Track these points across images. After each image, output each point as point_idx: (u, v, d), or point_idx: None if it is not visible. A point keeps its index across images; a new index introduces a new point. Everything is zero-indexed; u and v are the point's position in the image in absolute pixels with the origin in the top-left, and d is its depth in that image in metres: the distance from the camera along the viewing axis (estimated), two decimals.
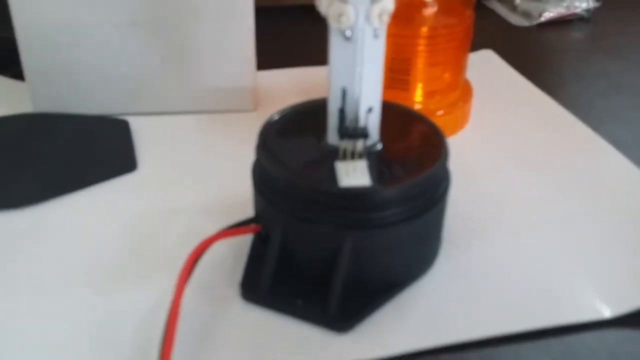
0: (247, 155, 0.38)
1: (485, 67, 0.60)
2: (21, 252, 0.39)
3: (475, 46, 0.55)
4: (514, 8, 0.72)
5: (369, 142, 0.35)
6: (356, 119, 0.34)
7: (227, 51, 0.49)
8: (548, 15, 0.70)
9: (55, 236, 0.40)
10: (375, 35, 0.32)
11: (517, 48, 0.66)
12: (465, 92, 0.51)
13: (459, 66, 0.49)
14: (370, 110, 0.35)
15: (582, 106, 0.55)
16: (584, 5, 0.71)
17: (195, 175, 0.45)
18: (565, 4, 0.70)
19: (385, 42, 0.33)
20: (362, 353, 0.33)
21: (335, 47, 0.33)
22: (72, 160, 0.46)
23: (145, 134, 0.49)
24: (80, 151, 0.47)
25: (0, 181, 0.44)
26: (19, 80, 0.54)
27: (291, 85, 0.57)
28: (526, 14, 0.71)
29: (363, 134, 0.34)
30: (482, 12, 0.74)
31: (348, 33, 0.32)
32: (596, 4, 0.72)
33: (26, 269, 0.38)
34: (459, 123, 0.50)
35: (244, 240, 0.38)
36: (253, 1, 0.48)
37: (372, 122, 0.35)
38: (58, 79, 0.49)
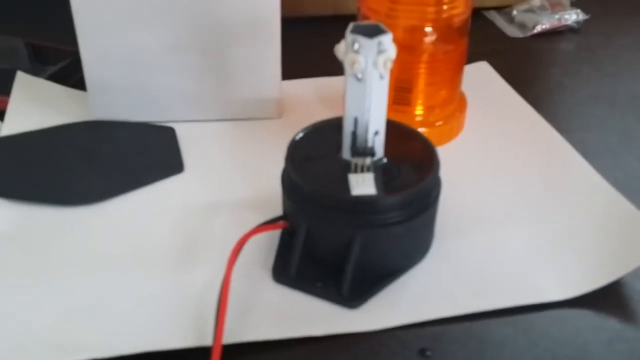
0: (274, 157, 0.45)
1: (480, 79, 0.65)
2: (90, 241, 0.45)
3: (473, 56, 0.59)
4: (511, 19, 0.77)
5: (375, 158, 0.43)
6: (365, 140, 0.42)
7: (257, 67, 0.56)
8: (541, 27, 0.74)
9: (118, 228, 0.46)
10: (381, 77, 0.40)
11: (511, 58, 0.71)
12: (460, 103, 0.57)
13: (455, 83, 0.56)
14: (376, 133, 0.42)
15: (562, 115, 0.61)
16: (574, 17, 0.75)
17: (234, 175, 0.52)
18: (557, 17, 0.75)
19: (388, 82, 0.41)
20: (369, 325, 0.39)
21: (349, 86, 0.40)
22: (128, 163, 0.52)
23: (189, 139, 0.55)
24: (135, 155, 0.53)
25: (69, 180, 0.50)
26: (78, 90, 0.60)
27: (313, 94, 0.62)
28: (522, 26, 0.75)
29: (370, 153, 0.42)
30: (481, 22, 0.78)
31: (359, 76, 0.39)
32: (585, 16, 0.76)
33: (95, 254, 0.44)
34: (455, 131, 0.56)
35: (274, 234, 0.45)
36: (280, 25, 0.54)
37: (378, 142, 0.43)
38: (115, 92, 0.55)
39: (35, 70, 0.62)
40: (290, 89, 0.62)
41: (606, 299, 0.42)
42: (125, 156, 0.53)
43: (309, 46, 0.69)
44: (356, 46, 0.39)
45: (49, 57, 0.64)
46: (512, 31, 0.76)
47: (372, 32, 0.39)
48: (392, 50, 0.40)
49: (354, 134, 0.42)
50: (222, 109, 0.58)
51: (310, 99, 0.62)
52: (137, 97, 0.56)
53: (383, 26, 0.40)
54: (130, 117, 0.57)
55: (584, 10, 0.78)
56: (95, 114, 0.57)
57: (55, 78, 0.62)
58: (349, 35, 0.39)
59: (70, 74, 0.62)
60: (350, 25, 0.40)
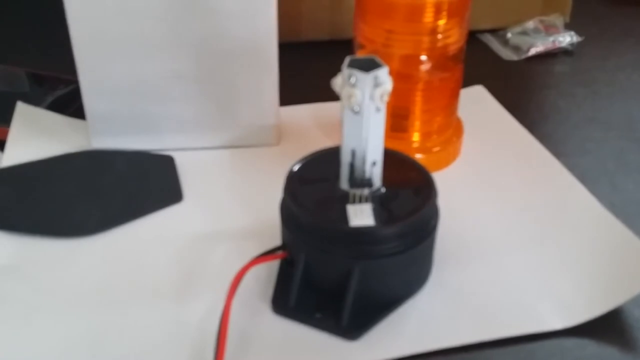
0: (273, 184, 0.45)
1: (476, 103, 0.65)
2: (88, 273, 0.45)
3: (468, 79, 0.59)
4: (505, 42, 0.77)
5: (373, 188, 0.43)
6: (363, 172, 0.42)
7: (255, 96, 0.56)
8: (535, 49, 0.75)
9: (117, 259, 0.46)
10: (378, 110, 0.40)
11: (506, 81, 0.71)
12: (457, 129, 0.57)
13: (451, 109, 0.56)
14: (374, 163, 0.42)
15: (558, 138, 0.61)
16: (568, 40, 0.76)
17: (233, 204, 0.52)
18: (551, 39, 0.76)
19: (385, 113, 0.41)
20: (369, 356, 0.39)
21: (346, 119, 0.41)
22: (127, 193, 0.52)
23: (188, 167, 0.55)
24: (134, 184, 0.53)
25: (68, 211, 0.50)
26: (78, 119, 0.60)
27: (311, 120, 0.62)
28: (516, 48, 0.76)
29: (368, 184, 0.42)
30: (476, 45, 0.78)
31: (356, 109, 0.40)
32: (579, 39, 0.77)
33: (93, 288, 0.44)
34: (452, 156, 0.57)
35: (274, 263, 0.45)
36: (277, 53, 0.54)
37: (376, 173, 0.43)
38: (114, 120, 0.56)
39: (35, 98, 0.63)
40: (288, 115, 0.62)
41: (606, 327, 0.42)
42: (124, 186, 0.53)
43: (306, 71, 0.69)
44: (353, 80, 0.39)
45: (49, 85, 0.64)
46: (506, 54, 0.76)
47: (369, 66, 0.39)
48: (388, 83, 0.40)
49: (352, 166, 0.42)
50: (221, 136, 0.58)
51: (309, 125, 0.62)
52: (137, 125, 0.56)
53: (379, 60, 0.40)
54: (130, 146, 0.57)
55: (578, 32, 0.78)
56: (95, 143, 0.57)
57: (55, 106, 0.62)
58: (345, 70, 0.39)
59: (70, 101, 0.62)
60: (347, 60, 0.40)
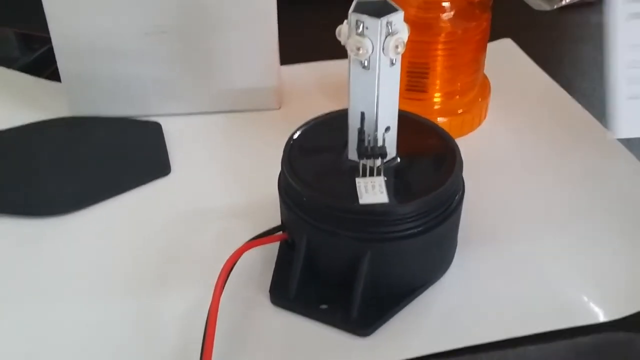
0: (273, 153, 0.41)
1: (504, 59, 0.60)
2: (59, 258, 0.42)
3: (495, 32, 0.56)
4: None
5: (387, 158, 0.38)
6: (374, 139, 0.37)
7: (252, 53, 0.51)
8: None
9: (93, 242, 0.43)
10: (392, 64, 0.34)
11: (537, 34, 0.67)
12: (483, 88, 0.52)
13: (477, 65, 0.50)
14: (387, 129, 0.37)
15: (598, 97, 0.55)
16: None
17: (226, 177, 0.48)
18: None
19: (400, 67, 0.35)
20: (382, 356, 0.36)
21: (354, 75, 0.35)
22: (107, 165, 0.48)
23: (177, 135, 0.52)
24: (115, 156, 0.49)
25: (40, 187, 0.46)
26: (54, 81, 0.56)
27: (315, 81, 0.58)
28: None
29: (381, 153, 0.37)
30: None
31: (366, 63, 0.34)
32: None
33: (64, 275, 0.41)
34: (477, 119, 0.52)
35: (272, 246, 0.41)
36: (276, 4, 0.49)
37: (390, 140, 0.37)
38: (93, 83, 0.51)
39: (6, 59, 0.59)
40: (290, 76, 0.57)
41: None
42: (104, 157, 0.49)
43: (309, 25, 0.64)
44: (361, 28, 0.33)
45: (22, 43, 0.60)
46: (537, 3, 0.70)
47: (380, 10, 0.34)
48: (403, 31, 0.34)
49: (361, 132, 0.37)
50: (214, 100, 0.54)
51: (314, 86, 0.58)
52: (118, 89, 0.52)
53: (392, 3, 0.34)
54: (111, 112, 0.53)
55: None
56: (73, 108, 0.53)
57: (30, 68, 0.58)
58: (352, 15, 0.34)
59: (47, 62, 0.57)
60: (354, 3, 0.34)
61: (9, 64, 0.58)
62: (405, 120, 0.39)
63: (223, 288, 0.36)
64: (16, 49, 0.62)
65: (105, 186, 0.46)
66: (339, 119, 0.39)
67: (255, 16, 0.50)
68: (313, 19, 0.62)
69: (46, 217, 0.44)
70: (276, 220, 0.41)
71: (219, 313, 0.35)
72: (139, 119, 0.53)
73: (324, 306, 0.38)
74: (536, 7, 0.71)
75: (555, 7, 0.70)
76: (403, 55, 0.35)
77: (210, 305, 0.35)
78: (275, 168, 0.40)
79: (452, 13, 0.47)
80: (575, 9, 0.71)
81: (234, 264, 0.38)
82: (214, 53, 0.51)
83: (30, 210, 0.44)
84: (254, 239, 0.40)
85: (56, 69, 0.52)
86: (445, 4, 0.47)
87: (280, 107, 0.54)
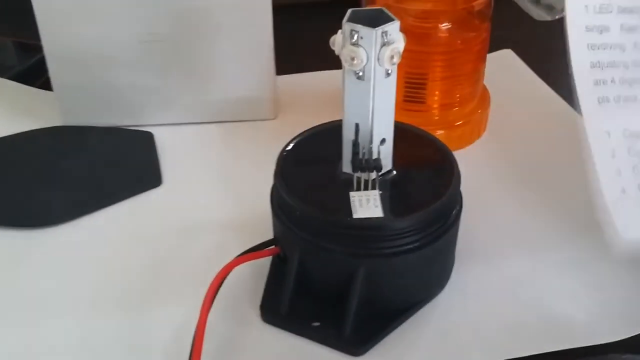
0: (268, 165, 0.39)
1: (504, 69, 0.59)
2: (48, 270, 0.41)
3: (495, 42, 0.55)
4: (536, 0, 0.71)
5: (382, 171, 0.37)
6: (369, 151, 0.36)
7: (247, 62, 0.50)
8: None
9: (81, 255, 0.42)
10: (387, 74, 0.33)
11: (538, 45, 0.65)
12: (482, 99, 0.51)
13: (477, 76, 0.49)
14: (383, 141, 0.36)
15: None
16: None
17: (219, 189, 0.47)
18: None
19: (396, 77, 0.34)
20: None
21: (349, 85, 0.34)
22: (99, 177, 0.47)
23: (170, 145, 0.51)
24: (107, 166, 0.48)
25: (29, 197, 0.45)
26: (47, 90, 0.55)
27: (313, 91, 0.57)
28: (549, 7, 0.68)
29: (376, 166, 0.36)
30: (504, 3, 0.71)
31: (360, 73, 0.33)
32: None
33: (53, 288, 0.40)
34: (477, 132, 0.51)
35: (264, 261, 0.40)
36: (271, 14, 0.49)
37: (385, 152, 0.36)
38: (85, 92, 0.51)
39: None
40: (287, 85, 0.56)
41: None
42: (95, 168, 0.48)
43: (306, 35, 0.63)
44: (355, 37, 0.32)
45: (15, 52, 0.60)
46: (538, 13, 0.69)
47: (375, 19, 0.33)
48: (400, 41, 0.33)
49: (356, 144, 0.36)
50: (208, 110, 0.53)
51: (311, 96, 0.57)
52: (110, 98, 0.51)
53: (388, 12, 0.33)
54: (104, 121, 0.52)
55: None
56: (65, 118, 0.52)
57: (23, 77, 0.57)
58: (346, 25, 0.33)
59: (40, 71, 0.56)
60: (349, 12, 0.33)
61: (4, 72, 0.57)
62: (402, 132, 0.38)
63: (211, 305, 0.35)
64: (14, 58, 0.62)
65: (94, 197, 0.45)
66: (333, 130, 0.38)
67: (250, 25, 0.49)
68: (311, 28, 0.61)
69: (35, 228, 0.43)
70: (270, 234, 0.40)
71: (207, 330, 0.34)
72: (131, 128, 0.52)
73: (316, 323, 0.37)
74: (537, 18, 0.70)
75: (556, 17, 0.69)
76: (400, 66, 0.35)
77: (198, 323, 0.34)
78: (269, 180, 0.39)
79: (450, 23, 0.46)
80: None
81: (223, 280, 0.36)
82: (209, 62, 0.50)
83: (20, 221, 0.43)
84: (244, 253, 0.38)
85: (48, 78, 0.51)
86: (444, 14, 0.46)
87: (276, 118, 0.54)
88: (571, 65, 0.31)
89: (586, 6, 0.31)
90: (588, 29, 0.31)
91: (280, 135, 0.42)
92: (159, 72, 0.50)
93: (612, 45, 0.30)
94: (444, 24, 0.46)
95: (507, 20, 0.65)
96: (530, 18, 0.69)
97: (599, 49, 0.30)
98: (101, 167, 0.48)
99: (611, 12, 0.31)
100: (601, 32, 0.30)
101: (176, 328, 0.37)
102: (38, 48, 0.53)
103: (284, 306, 0.37)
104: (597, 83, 0.30)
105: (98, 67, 0.50)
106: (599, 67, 0.30)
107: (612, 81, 0.30)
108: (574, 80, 0.30)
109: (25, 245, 0.42)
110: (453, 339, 0.36)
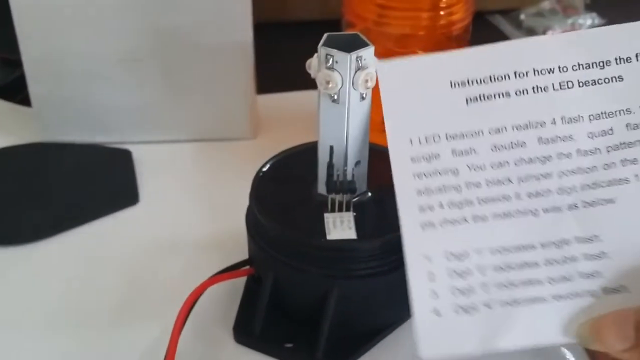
0: (245, 184, 0.39)
1: None
2: (21, 289, 0.41)
3: None
4: (518, 24, 0.72)
5: (357, 193, 0.37)
6: (344, 173, 0.36)
7: (226, 81, 0.50)
8: (552, 33, 0.69)
9: (55, 273, 0.42)
10: (362, 98, 0.34)
11: None
12: None
13: None
14: (357, 163, 0.36)
15: None
16: (589, 22, 0.70)
17: (196, 208, 0.47)
18: (570, 21, 0.70)
19: (371, 102, 0.34)
20: None
21: (324, 108, 0.34)
22: (75, 194, 0.47)
23: (148, 163, 0.50)
24: (84, 184, 0.48)
25: (5, 215, 0.45)
26: (26, 107, 0.54)
27: (293, 111, 0.57)
28: (531, 32, 0.70)
29: (350, 188, 0.36)
30: (486, 28, 0.72)
31: (335, 97, 0.33)
32: (602, 21, 0.71)
33: (26, 305, 0.39)
34: None
35: (239, 281, 0.40)
36: (252, 33, 0.49)
37: (360, 174, 0.36)
38: (64, 108, 0.51)
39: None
40: (269, 105, 0.56)
41: None
42: (72, 185, 0.48)
43: (292, 55, 0.62)
44: (330, 61, 0.33)
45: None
46: (517, 35, 0.71)
47: (350, 44, 0.33)
48: (374, 65, 0.33)
49: (330, 166, 0.36)
50: (186, 128, 0.53)
51: (292, 116, 0.57)
52: (89, 115, 0.51)
53: (363, 37, 0.33)
54: (82, 138, 0.52)
55: (600, 14, 0.73)
56: (44, 134, 0.52)
57: (3, 92, 0.57)
58: (321, 49, 0.33)
59: (20, 87, 0.55)
60: (324, 37, 0.34)
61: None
62: (378, 154, 0.37)
63: (183, 324, 0.35)
64: None
65: (70, 215, 0.45)
66: (309, 151, 0.38)
67: (230, 44, 0.49)
68: (293, 48, 0.61)
69: (10, 245, 0.43)
70: (245, 254, 0.40)
71: (180, 349, 0.34)
72: (109, 146, 0.51)
73: (289, 345, 0.37)
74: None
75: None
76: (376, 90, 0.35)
77: (169, 341, 0.34)
78: (247, 200, 0.39)
79: (429, 47, 0.46)
80: None
81: (197, 300, 0.36)
82: (188, 81, 0.50)
83: None
84: (219, 273, 0.38)
85: (27, 94, 0.51)
86: (422, 38, 0.46)
87: (255, 137, 0.53)
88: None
89: (410, 140, 0.31)
90: (414, 160, 0.31)
91: (259, 155, 0.42)
92: (137, 90, 0.50)
93: (443, 171, 0.31)
94: (422, 48, 0.46)
95: (485, 43, 0.66)
96: (508, 40, 0.71)
97: (426, 176, 0.31)
98: (78, 184, 0.48)
99: (439, 140, 0.31)
100: (429, 161, 0.31)
101: (149, 346, 0.37)
102: (19, 64, 0.53)
103: (257, 327, 0.37)
104: (422, 209, 0.31)
105: (77, 84, 0.50)
106: (426, 193, 0.31)
107: (440, 206, 0.31)
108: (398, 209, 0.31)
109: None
110: None
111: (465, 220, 0.31)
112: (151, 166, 0.50)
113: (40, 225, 0.44)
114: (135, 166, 0.50)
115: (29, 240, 0.43)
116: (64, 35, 0.48)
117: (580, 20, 0.70)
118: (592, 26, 0.71)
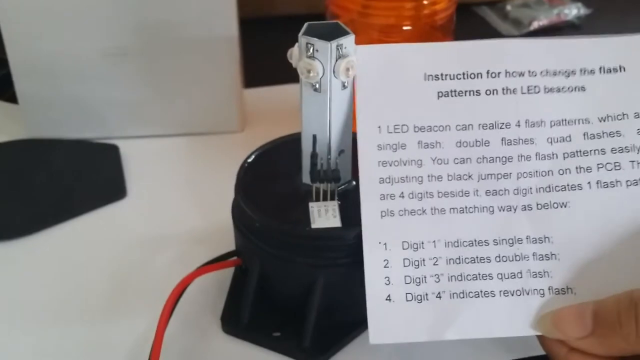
0: (233, 178, 0.39)
1: None
2: (8, 284, 0.41)
3: None
4: (504, 15, 0.71)
5: (341, 182, 0.37)
6: (327, 162, 0.36)
7: (213, 75, 0.50)
8: (538, 23, 0.69)
9: (42, 268, 0.42)
10: (344, 87, 0.34)
11: None
12: None
13: None
14: (341, 152, 0.36)
15: None
16: (575, 12, 0.70)
17: (183, 201, 0.47)
18: (556, 12, 0.70)
19: (353, 90, 0.35)
20: None
21: (306, 97, 0.34)
22: (63, 190, 0.47)
23: (135, 158, 0.50)
24: (71, 179, 0.48)
25: None
26: (12, 104, 0.54)
27: (280, 104, 0.57)
28: (517, 22, 0.70)
29: (334, 177, 0.36)
30: (472, 19, 0.72)
31: (317, 86, 0.33)
32: (587, 11, 0.71)
33: (12, 301, 0.39)
34: None
35: (226, 272, 0.40)
36: (237, 27, 0.49)
37: (344, 163, 0.36)
38: (51, 105, 0.50)
39: None
40: (257, 98, 0.56)
41: None
42: (59, 180, 0.48)
43: (278, 49, 0.62)
44: (311, 50, 0.32)
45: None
46: (506, 29, 0.70)
47: (331, 33, 0.33)
48: (354, 54, 0.33)
49: (314, 155, 0.36)
50: (173, 122, 0.52)
51: (281, 109, 0.56)
52: (76, 111, 0.51)
53: (344, 25, 0.33)
54: (70, 134, 0.51)
55: (586, 4, 0.72)
56: (31, 131, 0.52)
57: None
58: (302, 38, 0.33)
59: (6, 84, 0.55)
60: (305, 26, 0.33)
61: None
62: None
63: (170, 315, 0.35)
64: None
65: (57, 210, 0.45)
66: (295, 142, 0.38)
67: (216, 38, 0.49)
68: (279, 43, 0.61)
69: None
70: (233, 246, 0.40)
71: (168, 340, 0.34)
72: (96, 141, 0.51)
73: (277, 334, 0.37)
74: (505, 32, 0.70)
75: (523, 32, 0.70)
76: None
77: (156, 332, 0.34)
78: (232, 190, 0.39)
79: (413, 37, 0.46)
80: (544, 34, 0.70)
81: (183, 291, 0.36)
82: (174, 75, 0.50)
83: None
84: (205, 264, 0.38)
85: (14, 92, 0.51)
86: (407, 28, 0.46)
87: (243, 130, 0.53)
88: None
89: (379, 127, 0.32)
90: (380, 147, 0.32)
91: (246, 148, 0.42)
92: (124, 85, 0.50)
93: (407, 161, 0.31)
94: (407, 38, 0.46)
95: (472, 34, 0.66)
96: (497, 32, 0.71)
97: (390, 165, 0.31)
98: (65, 179, 0.48)
99: (406, 131, 0.32)
100: (395, 150, 0.31)
101: (137, 338, 0.37)
102: (4, 62, 0.53)
103: (245, 317, 0.37)
104: (383, 197, 0.31)
105: (63, 80, 0.49)
106: (389, 182, 0.31)
107: (401, 196, 0.31)
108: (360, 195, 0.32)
109: None
110: (410, 350, 0.36)
111: (424, 211, 0.31)
112: (138, 161, 0.50)
113: (28, 221, 0.44)
114: (122, 161, 0.49)
115: (16, 235, 0.43)
116: (49, 31, 0.48)
117: (566, 11, 0.70)
118: (577, 16, 0.71)
